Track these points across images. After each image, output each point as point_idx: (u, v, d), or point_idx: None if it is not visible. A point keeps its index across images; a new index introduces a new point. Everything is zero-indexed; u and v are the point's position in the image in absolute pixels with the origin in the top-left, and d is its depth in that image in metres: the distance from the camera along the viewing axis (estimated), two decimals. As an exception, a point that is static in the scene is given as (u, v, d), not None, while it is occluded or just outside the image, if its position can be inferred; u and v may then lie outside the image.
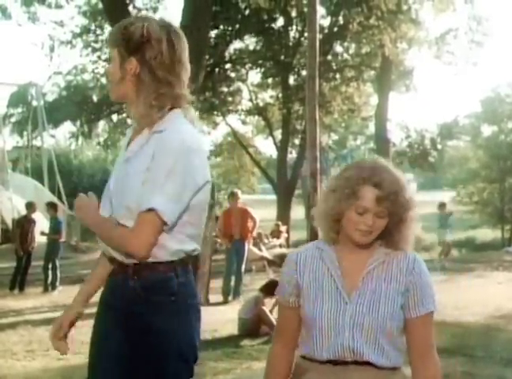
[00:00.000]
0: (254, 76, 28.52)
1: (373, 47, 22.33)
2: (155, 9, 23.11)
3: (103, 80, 23.16)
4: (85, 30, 23.83)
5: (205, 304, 11.08)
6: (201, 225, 2.42)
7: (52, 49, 23.70)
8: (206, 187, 2.36)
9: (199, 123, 2.46)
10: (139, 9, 21.81)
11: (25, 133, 35.88)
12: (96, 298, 2.52)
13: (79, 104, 26.45)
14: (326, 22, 23.26)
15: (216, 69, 23.35)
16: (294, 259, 2.33)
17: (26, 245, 13.32)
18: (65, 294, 11.89)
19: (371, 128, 32.96)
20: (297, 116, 26.15)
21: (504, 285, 13.48)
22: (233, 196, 12.69)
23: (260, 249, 15.67)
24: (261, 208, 26.96)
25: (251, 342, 7.68)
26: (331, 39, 23.13)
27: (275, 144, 28.46)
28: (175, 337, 2.27)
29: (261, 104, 28.64)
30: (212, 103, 25.28)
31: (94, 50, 23.80)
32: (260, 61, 25.00)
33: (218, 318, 9.32)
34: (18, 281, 13.22)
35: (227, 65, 24.92)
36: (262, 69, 25.80)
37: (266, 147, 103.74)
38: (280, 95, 26.42)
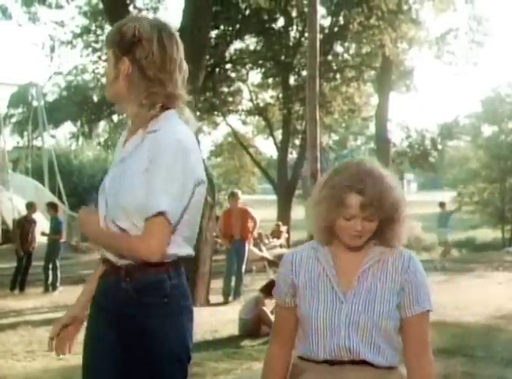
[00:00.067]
0: (255, 76, 28.61)
1: (373, 47, 22.31)
2: (155, 10, 23.12)
3: (104, 81, 23.14)
4: (86, 30, 23.84)
5: (205, 304, 11.10)
6: (197, 227, 2.42)
7: (52, 49, 23.71)
8: (202, 187, 2.36)
9: (194, 123, 2.45)
10: (140, 10, 21.80)
11: (26, 133, 35.89)
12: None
13: (79, 104, 26.45)
14: (327, 22, 23.26)
15: (217, 70, 23.34)
16: (289, 259, 2.34)
17: (26, 246, 13.33)
18: (65, 295, 11.90)
19: (372, 128, 32.97)
20: (297, 116, 26.13)
21: (504, 285, 13.48)
22: (233, 196, 12.69)
23: (260, 250, 15.67)
24: (262, 208, 26.97)
25: (252, 342, 7.68)
26: (331, 39, 23.11)
27: (275, 144, 28.45)
28: (167, 339, 2.27)
29: (261, 104, 28.62)
30: (212, 103, 25.28)
31: (94, 50, 23.80)
32: (260, 62, 24.98)
33: (218, 319, 9.32)
34: (19, 281, 13.23)
35: (228, 66, 24.91)
36: (263, 70, 25.79)
37: (267, 147, 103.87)
38: (281, 95, 26.41)
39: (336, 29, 23.28)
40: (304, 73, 21.37)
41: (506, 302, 10.66)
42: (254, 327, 7.98)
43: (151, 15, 22.47)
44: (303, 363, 2.28)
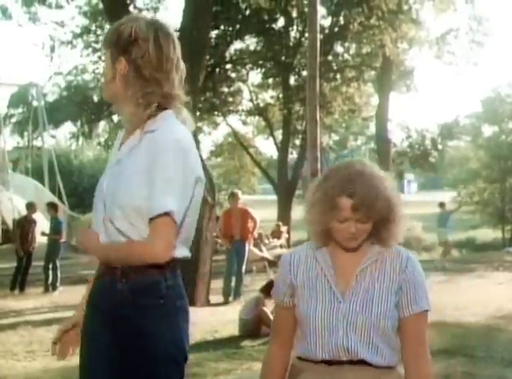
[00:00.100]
0: (255, 76, 28.64)
1: (373, 47, 22.31)
2: (155, 10, 23.12)
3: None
4: (86, 30, 23.84)
5: (205, 305, 11.10)
6: (194, 228, 2.41)
7: (53, 49, 23.70)
8: (201, 187, 2.37)
9: (191, 123, 2.45)
10: (140, 10, 21.79)
11: (26, 133, 35.90)
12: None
13: (79, 104, 26.45)
14: (327, 22, 23.25)
15: (217, 70, 23.34)
16: (288, 260, 2.35)
17: (26, 246, 13.32)
18: (65, 295, 11.90)
19: (372, 128, 32.96)
20: (298, 116, 26.13)
21: (505, 285, 13.48)
22: (233, 196, 12.69)
23: (261, 250, 15.66)
24: (262, 208, 26.97)
25: (252, 342, 7.68)
26: (332, 39, 23.11)
27: (275, 144, 28.45)
28: (163, 340, 2.26)
29: (261, 104, 28.62)
30: (212, 104, 25.29)
31: (94, 50, 23.79)
32: (260, 62, 24.98)
33: (219, 319, 9.32)
34: (19, 281, 13.23)
35: (228, 66, 24.92)
36: (263, 70, 25.79)
37: (267, 147, 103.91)
38: (281, 95, 26.41)
39: (336, 29, 23.27)
40: (304, 73, 21.37)
41: (507, 302, 10.66)
42: (254, 327, 7.98)
43: (151, 15, 22.47)
44: (302, 363, 2.29)
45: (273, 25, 23.56)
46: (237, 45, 24.15)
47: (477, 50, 30.17)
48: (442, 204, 19.56)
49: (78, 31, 23.82)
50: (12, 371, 6.50)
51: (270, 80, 27.19)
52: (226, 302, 11.71)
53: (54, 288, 13.15)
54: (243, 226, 12.16)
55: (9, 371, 6.51)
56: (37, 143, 33.38)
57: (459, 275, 15.73)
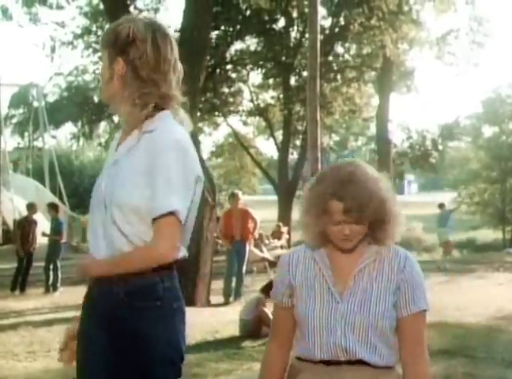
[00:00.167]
0: (255, 76, 28.61)
1: (374, 48, 22.31)
2: (156, 10, 23.12)
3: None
4: (86, 31, 23.84)
5: (206, 305, 11.11)
6: (191, 227, 2.42)
7: (53, 50, 23.69)
8: (201, 186, 2.37)
9: (189, 124, 2.45)
10: (140, 10, 21.80)
11: (26, 133, 35.95)
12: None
13: (80, 105, 26.47)
14: (327, 23, 23.27)
15: (217, 70, 23.34)
16: (286, 260, 2.36)
17: (27, 246, 13.33)
18: (66, 295, 11.91)
19: (372, 129, 32.94)
20: (298, 117, 26.13)
21: (505, 286, 13.47)
22: (234, 197, 12.70)
23: (261, 250, 15.67)
24: (262, 208, 26.96)
25: (252, 343, 7.68)
26: (332, 39, 23.11)
27: (276, 144, 28.45)
28: (160, 342, 2.26)
29: (262, 105, 28.62)
30: (213, 104, 25.28)
31: (95, 50, 23.78)
32: (261, 62, 24.97)
33: (219, 319, 9.32)
34: (19, 282, 13.23)
35: (228, 66, 24.92)
36: (263, 70, 25.79)
37: (267, 148, 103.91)
38: (281, 95, 26.40)
39: (336, 30, 23.28)
40: (305, 73, 21.41)
41: (507, 302, 10.66)
42: (254, 328, 7.98)
43: (151, 16, 22.47)
44: (301, 364, 2.29)
45: (274, 26, 23.56)
46: (237, 45, 24.19)
47: (478, 51, 30.30)
48: (441, 205, 19.61)
49: (79, 31, 23.82)
50: (12, 371, 6.50)
51: (271, 81, 27.20)
52: (226, 303, 11.71)
53: (55, 289, 13.15)
54: (244, 226, 12.16)
55: (10, 372, 6.51)
56: (38, 143, 33.44)
57: (459, 275, 15.73)
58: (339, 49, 24.90)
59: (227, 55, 23.64)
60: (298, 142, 28.67)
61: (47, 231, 13.69)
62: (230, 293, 12.00)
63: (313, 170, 10.66)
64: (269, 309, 8.03)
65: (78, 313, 2.51)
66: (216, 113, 27.78)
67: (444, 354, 6.89)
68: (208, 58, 14.57)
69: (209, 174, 11.63)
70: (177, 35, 18.02)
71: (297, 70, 24.41)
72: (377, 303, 2.21)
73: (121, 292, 2.26)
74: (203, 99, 21.49)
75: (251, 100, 28.48)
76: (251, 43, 24.63)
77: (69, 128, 39.05)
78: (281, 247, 18.22)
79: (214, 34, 20.80)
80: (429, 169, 33.84)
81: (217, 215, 14.36)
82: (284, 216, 24.93)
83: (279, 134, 29.55)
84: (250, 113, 29.61)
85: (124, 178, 2.29)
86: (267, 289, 7.95)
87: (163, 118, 2.35)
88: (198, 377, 6.24)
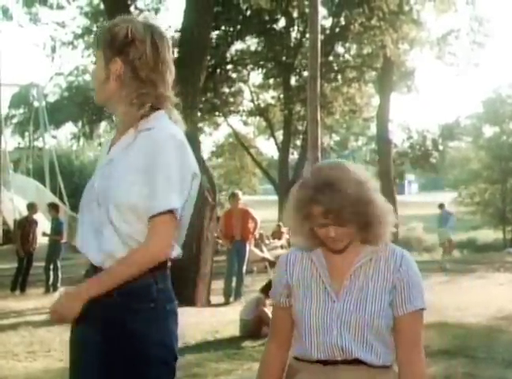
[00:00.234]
0: (256, 77, 28.65)
1: (374, 48, 22.31)
2: (156, 10, 23.11)
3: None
4: (87, 31, 23.84)
5: (206, 305, 11.11)
6: (187, 225, 2.42)
7: (54, 50, 23.71)
8: (197, 181, 2.38)
9: (182, 125, 2.45)
10: (141, 10, 21.79)
11: (27, 133, 35.97)
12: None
13: (80, 105, 26.49)
14: (328, 23, 23.28)
15: (218, 70, 23.35)
16: (284, 260, 2.37)
17: (27, 246, 13.32)
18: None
19: (373, 129, 32.95)
20: (298, 117, 26.16)
21: (506, 286, 13.46)
22: (234, 197, 12.70)
23: (261, 250, 15.66)
24: (263, 208, 26.97)
25: (252, 343, 7.67)
26: (332, 39, 23.13)
27: (276, 144, 28.48)
28: (154, 343, 2.27)
29: (262, 105, 28.65)
30: (213, 104, 25.29)
31: (95, 51, 23.77)
32: (261, 62, 25.00)
33: (219, 319, 9.32)
34: (19, 282, 13.22)
35: (229, 66, 24.93)
36: (264, 70, 25.81)
37: (268, 148, 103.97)
38: (282, 95, 26.43)
39: (337, 30, 23.29)
40: (305, 73, 21.41)
41: (508, 303, 10.65)
42: (254, 328, 7.97)
43: (152, 16, 22.47)
44: (298, 363, 2.30)
45: (274, 26, 23.58)
46: (238, 45, 24.20)
47: (478, 51, 30.34)
48: (441, 205, 19.67)
49: (79, 31, 23.84)
50: (13, 371, 6.50)
51: (271, 81, 27.22)
52: (227, 303, 11.71)
53: (55, 289, 13.14)
54: (244, 226, 12.16)
55: (10, 372, 6.50)
56: (38, 143, 33.45)
57: (460, 275, 15.72)
58: (339, 49, 24.94)
59: (228, 55, 23.65)
60: (298, 142, 28.71)
61: (48, 231, 13.68)
62: (230, 293, 12.00)
63: (313, 170, 10.64)
64: (269, 309, 8.03)
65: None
66: (217, 113, 27.80)
67: (444, 354, 6.89)
68: (208, 58, 14.57)
69: (210, 174, 11.63)
70: (177, 35, 18.04)
71: (297, 70, 24.43)
72: (373, 302, 2.21)
73: (115, 294, 2.25)
74: (203, 99, 21.49)
75: (252, 100, 28.51)
76: (252, 43, 24.66)
77: (69, 128, 39.16)
78: (281, 247, 18.21)
79: (215, 34, 20.81)
80: (429, 169, 33.87)
81: (217, 215, 14.37)
82: (285, 216, 24.91)
83: (279, 134, 29.58)
84: (251, 113, 29.63)
85: (120, 176, 2.28)
86: (267, 289, 7.94)
87: (158, 117, 2.36)
88: (198, 376, 6.24)
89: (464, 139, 45.67)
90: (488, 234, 39.77)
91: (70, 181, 31.63)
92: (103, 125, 30.82)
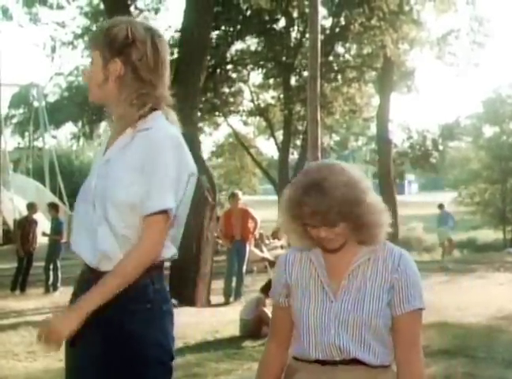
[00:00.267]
0: (256, 76, 28.60)
1: (374, 48, 22.30)
2: (156, 10, 23.12)
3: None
4: (87, 31, 23.81)
5: (206, 305, 11.11)
6: (183, 224, 2.42)
7: (54, 50, 23.70)
8: (194, 180, 2.38)
9: (178, 126, 2.45)
10: (141, 10, 21.82)
11: (27, 133, 35.99)
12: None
13: (80, 105, 26.47)
14: (328, 23, 23.26)
15: (218, 70, 23.34)
16: (283, 260, 2.38)
17: (27, 246, 13.32)
18: (66, 295, 11.87)
19: (373, 129, 32.93)
20: (298, 117, 26.13)
21: (506, 286, 13.46)
22: (233, 197, 12.71)
23: (261, 250, 15.67)
24: (263, 208, 26.95)
25: (253, 343, 7.68)
26: (332, 39, 23.12)
27: (276, 144, 28.45)
28: (151, 344, 2.27)
29: (262, 105, 28.63)
30: (213, 104, 25.28)
31: (95, 50, 23.75)
32: (261, 62, 24.98)
33: (219, 319, 9.33)
34: (19, 282, 13.23)
35: (229, 66, 24.92)
36: (264, 70, 25.80)
37: (268, 148, 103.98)
38: (282, 95, 26.40)
39: (337, 30, 23.28)
40: (305, 73, 21.40)
41: (508, 302, 10.65)
42: (254, 327, 7.98)
43: (152, 16, 22.51)
44: (297, 363, 2.30)
45: (274, 26, 23.57)
46: (238, 45, 24.18)
47: (478, 51, 30.30)
48: (441, 206, 19.71)
49: (79, 31, 23.83)
50: (13, 371, 6.51)
51: (271, 81, 27.20)
52: (227, 303, 11.72)
53: (55, 289, 13.15)
54: (244, 226, 12.17)
55: (10, 371, 6.51)
56: (38, 143, 33.47)
57: (460, 275, 15.72)
58: (339, 49, 24.91)
59: (228, 55, 23.64)
60: (298, 142, 28.68)
61: (48, 231, 13.69)
62: (230, 293, 12.00)
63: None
64: (269, 309, 8.04)
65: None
66: (217, 113, 27.79)
67: (444, 354, 6.89)
68: (208, 58, 14.56)
69: (210, 174, 11.62)
70: (177, 35, 18.01)
71: (297, 70, 24.41)
72: (371, 302, 2.21)
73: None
74: (203, 99, 21.50)
75: (252, 100, 28.49)
76: (252, 43, 24.64)
77: (69, 128, 39.16)
78: (281, 247, 18.21)
79: (215, 34, 20.80)
80: (429, 169, 33.84)
81: (217, 215, 14.38)
82: (285, 216, 24.90)
83: (279, 134, 29.56)
84: (251, 113, 29.61)
85: (118, 176, 2.29)
86: (267, 289, 7.95)
87: (155, 118, 2.36)
88: (198, 376, 6.25)
89: (464, 139, 45.65)
90: (488, 234, 39.75)
91: (70, 181, 31.61)
92: (103, 125, 30.76)
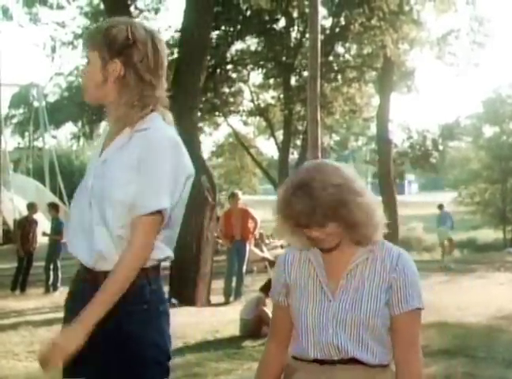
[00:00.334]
0: (256, 76, 28.56)
1: (374, 48, 22.29)
2: (156, 10, 23.11)
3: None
4: (87, 31, 23.83)
5: (206, 305, 11.11)
6: (179, 225, 2.42)
7: (54, 50, 23.68)
8: (190, 181, 2.38)
9: (173, 126, 2.45)
10: (141, 10, 21.82)
11: (27, 133, 36.00)
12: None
13: (80, 105, 26.43)
14: (328, 23, 23.25)
15: (218, 70, 23.34)
16: (282, 259, 2.38)
17: (27, 246, 13.33)
18: (66, 295, 11.89)
19: (373, 129, 32.92)
20: (298, 117, 26.13)
21: (506, 286, 13.47)
22: (233, 196, 12.72)
23: (261, 250, 15.68)
24: (263, 208, 26.91)
25: (253, 343, 7.68)
26: (333, 39, 23.11)
27: (276, 144, 28.45)
28: (148, 345, 2.27)
29: (262, 105, 28.62)
30: (213, 104, 25.28)
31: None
32: (261, 62, 24.98)
33: (219, 319, 9.33)
34: (20, 282, 13.24)
35: (229, 66, 24.91)
36: (264, 70, 25.79)
37: (268, 147, 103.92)
38: (282, 95, 26.40)
39: (337, 30, 23.28)
40: (305, 73, 21.40)
41: (508, 302, 10.66)
42: (254, 327, 7.98)
43: (152, 16, 22.52)
44: (296, 363, 2.31)
45: (274, 26, 23.56)
46: (238, 45, 24.17)
47: (478, 51, 30.22)
48: (440, 206, 19.73)
49: (79, 31, 23.81)
50: (13, 371, 6.51)
51: (271, 81, 27.20)
52: (227, 302, 11.72)
53: (55, 288, 13.15)
54: (244, 226, 12.17)
55: (11, 371, 6.51)
56: (38, 143, 33.48)
57: (460, 275, 15.74)
58: (339, 49, 24.90)
59: (228, 55, 23.64)
60: (298, 142, 28.67)
61: (48, 231, 13.69)
62: (230, 292, 12.01)
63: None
64: (269, 309, 8.04)
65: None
66: (217, 113, 27.78)
67: (444, 353, 6.89)
68: (208, 58, 14.57)
69: (210, 174, 11.62)
70: (177, 35, 18.00)
71: (297, 70, 24.41)
72: (368, 301, 2.21)
73: None
74: (204, 99, 21.49)
75: (252, 100, 28.49)
76: (252, 43, 24.64)
77: (69, 128, 39.11)
78: (281, 247, 18.21)
79: (215, 34, 20.80)
80: (429, 169, 33.81)
81: (217, 214, 14.38)
82: (285, 216, 24.89)
83: (279, 134, 29.56)
84: (251, 113, 29.61)
85: (115, 175, 2.28)
86: (266, 288, 7.95)
87: (153, 119, 2.36)
88: (198, 376, 6.25)
89: (464, 139, 45.65)
90: (488, 234, 39.76)
91: (70, 181, 31.61)
92: (104, 125, 30.75)
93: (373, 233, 2.22)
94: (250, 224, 12.24)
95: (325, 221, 2.15)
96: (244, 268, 12.31)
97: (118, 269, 2.23)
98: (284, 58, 24.03)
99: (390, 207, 23.21)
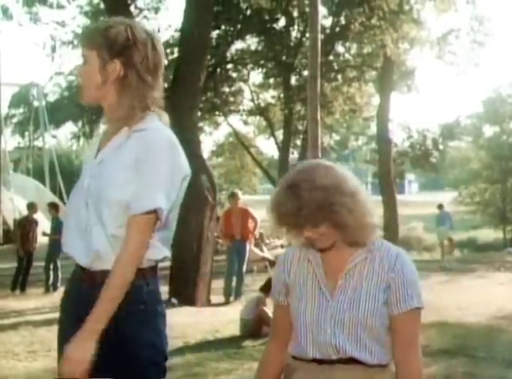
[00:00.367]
0: (256, 76, 28.54)
1: (375, 48, 22.28)
2: (156, 10, 23.10)
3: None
4: (84, 29, 23.81)
5: (206, 305, 11.11)
6: (174, 225, 2.41)
7: (54, 49, 23.67)
8: (186, 182, 2.38)
9: (170, 127, 2.46)
10: (141, 10, 21.81)
11: (27, 133, 36.00)
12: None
13: (80, 105, 26.24)
14: (328, 22, 23.24)
15: (218, 70, 23.34)
16: (282, 259, 2.40)
17: (27, 246, 13.33)
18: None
19: (373, 128, 32.93)
20: (299, 116, 26.13)
21: (506, 286, 13.47)
22: (233, 196, 12.71)
23: (262, 250, 15.68)
24: (263, 208, 26.63)
25: (253, 342, 7.68)
26: (333, 39, 23.10)
27: (276, 144, 28.44)
28: (144, 345, 2.27)
29: (262, 104, 28.62)
30: (213, 104, 25.28)
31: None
32: (261, 62, 24.98)
33: (220, 319, 9.33)
34: (19, 282, 13.24)
35: (229, 66, 24.91)
36: (264, 70, 25.80)
37: (268, 147, 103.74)
38: (282, 95, 26.39)
39: (337, 29, 23.27)
40: (305, 73, 21.39)
41: (508, 302, 10.65)
42: (255, 327, 7.98)
43: (152, 15, 22.52)
44: (295, 362, 2.31)
45: (274, 25, 23.54)
46: (238, 45, 24.17)
47: (478, 51, 30.14)
48: (440, 206, 19.74)
49: (79, 31, 23.80)
50: (13, 371, 6.51)
51: (271, 80, 27.19)
52: (227, 302, 11.72)
53: (55, 288, 13.15)
54: (244, 226, 12.17)
55: (11, 371, 6.51)
56: (38, 143, 33.48)
57: (460, 275, 15.73)
58: (339, 48, 24.88)
59: (228, 55, 23.63)
60: (298, 142, 28.66)
61: (48, 231, 13.69)
62: (230, 292, 12.01)
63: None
64: (269, 309, 8.04)
65: None
66: (217, 112, 27.78)
67: (444, 353, 6.89)
68: (208, 57, 14.56)
69: (210, 174, 11.61)
70: (177, 34, 17.98)
71: (298, 70, 24.40)
72: (366, 301, 2.21)
73: None
74: (204, 98, 21.49)
75: (252, 100, 28.49)
76: (252, 42, 24.63)
77: (69, 127, 39.11)
78: (282, 246, 18.22)
79: (215, 33, 20.79)
80: (430, 168, 33.83)
81: (217, 214, 14.37)
82: (285, 216, 24.87)
83: (279, 134, 29.55)
84: (251, 112, 29.61)
85: (112, 175, 2.28)
86: (267, 288, 7.95)
87: (150, 119, 2.36)
88: (199, 376, 6.25)
89: (465, 138, 45.66)
90: (488, 234, 39.77)
91: (70, 181, 31.59)
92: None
93: (365, 234, 2.21)
94: (250, 224, 12.24)
95: (314, 222, 2.15)
96: (244, 267, 12.31)
97: (115, 271, 2.22)
98: (284, 58, 24.03)
99: (390, 206, 23.22)
